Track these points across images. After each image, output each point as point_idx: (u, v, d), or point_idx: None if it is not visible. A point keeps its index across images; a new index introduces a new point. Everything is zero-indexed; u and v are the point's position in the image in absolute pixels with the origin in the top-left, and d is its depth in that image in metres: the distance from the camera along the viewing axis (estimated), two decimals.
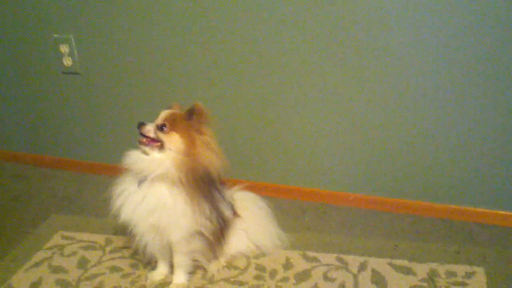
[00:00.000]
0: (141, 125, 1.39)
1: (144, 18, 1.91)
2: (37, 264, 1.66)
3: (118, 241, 1.76)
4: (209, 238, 1.45)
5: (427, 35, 1.59)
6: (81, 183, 2.22)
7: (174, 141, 1.36)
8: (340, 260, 1.59)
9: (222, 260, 1.58)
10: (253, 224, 1.63)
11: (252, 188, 2.00)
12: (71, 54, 2.10)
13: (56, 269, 1.63)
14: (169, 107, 1.45)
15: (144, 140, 1.38)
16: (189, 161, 1.36)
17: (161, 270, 1.56)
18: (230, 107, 1.93)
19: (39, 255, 1.70)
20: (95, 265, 1.64)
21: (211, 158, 1.39)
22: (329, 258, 1.61)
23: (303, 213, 1.88)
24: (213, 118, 1.39)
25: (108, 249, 1.72)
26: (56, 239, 1.79)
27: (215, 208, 1.44)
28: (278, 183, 1.99)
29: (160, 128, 1.37)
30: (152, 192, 1.37)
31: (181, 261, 1.50)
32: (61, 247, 1.75)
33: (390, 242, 1.67)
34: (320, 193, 1.94)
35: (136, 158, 1.40)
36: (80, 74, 2.14)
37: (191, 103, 1.38)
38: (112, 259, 1.67)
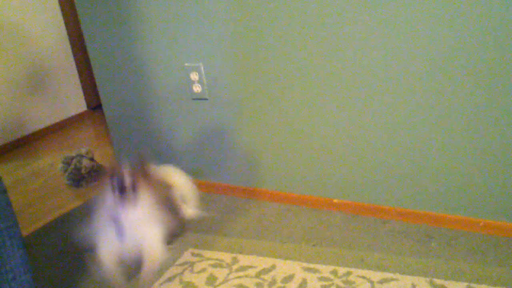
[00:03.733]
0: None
1: (261, 46, 1.99)
2: (170, 279, 1.77)
3: (243, 260, 1.83)
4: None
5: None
6: (209, 202, 2.33)
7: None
8: None
9: None
10: None
11: (375, 211, 1.99)
12: (200, 81, 2.24)
13: (187, 285, 1.73)
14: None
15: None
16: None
17: None
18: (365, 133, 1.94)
19: (172, 271, 1.82)
20: (222, 283, 1.71)
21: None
22: (459, 286, 1.54)
23: (429, 239, 1.82)
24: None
25: (234, 267, 1.79)
26: (187, 256, 1.90)
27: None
28: (402, 206, 1.95)
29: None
30: None
31: None
32: (191, 264, 1.85)
33: None
34: (448, 218, 1.86)
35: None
36: (208, 100, 2.27)
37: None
38: (239, 277, 1.73)
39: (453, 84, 1.68)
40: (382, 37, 1.74)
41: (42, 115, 3.88)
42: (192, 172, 2.45)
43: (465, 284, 1.54)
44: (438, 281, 1.57)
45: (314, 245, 1.87)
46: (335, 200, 2.09)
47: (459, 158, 1.77)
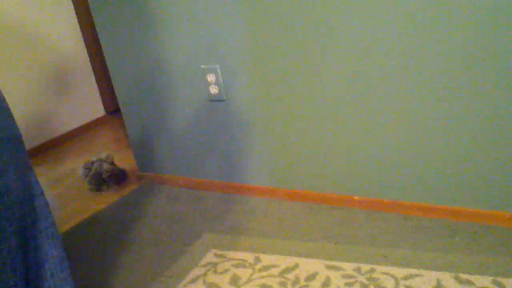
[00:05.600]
0: None
1: (278, 47, 1.99)
2: (193, 280, 1.78)
3: (266, 259, 1.83)
4: None
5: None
6: (228, 203, 2.33)
7: None
8: (496, 283, 1.50)
9: None
10: None
11: (396, 207, 1.98)
12: (217, 83, 2.24)
13: (211, 285, 1.73)
14: None
15: None
16: None
17: None
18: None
19: (195, 272, 1.83)
20: (246, 282, 1.72)
21: None
22: (484, 280, 1.52)
23: (453, 233, 1.80)
24: None
25: (257, 267, 1.79)
26: (209, 257, 1.91)
27: None
28: (424, 202, 1.93)
29: None
30: None
31: None
32: (214, 265, 1.85)
33: None
34: (472, 212, 1.84)
35: None
36: (224, 101, 2.27)
37: None
38: (262, 277, 1.74)
39: (474, 81, 1.66)
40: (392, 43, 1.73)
41: (62, 121, 3.92)
42: (212, 173, 2.48)
43: (491, 278, 1.53)
44: (463, 276, 1.56)
45: (336, 243, 1.86)
46: (356, 197, 2.08)
47: (482, 150, 1.75)
